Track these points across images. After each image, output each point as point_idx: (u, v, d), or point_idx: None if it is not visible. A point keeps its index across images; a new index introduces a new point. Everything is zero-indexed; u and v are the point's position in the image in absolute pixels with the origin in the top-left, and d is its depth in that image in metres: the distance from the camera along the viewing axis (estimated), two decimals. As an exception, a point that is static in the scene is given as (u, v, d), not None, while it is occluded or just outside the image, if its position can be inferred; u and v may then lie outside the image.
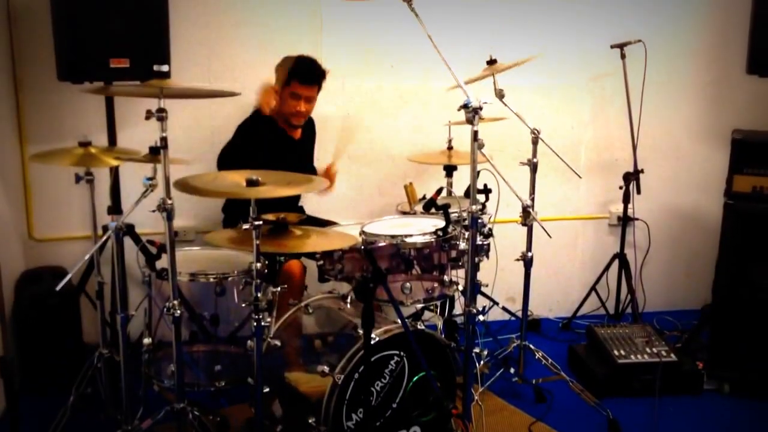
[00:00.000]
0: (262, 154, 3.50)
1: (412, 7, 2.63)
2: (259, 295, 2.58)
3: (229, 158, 3.51)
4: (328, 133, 4.11)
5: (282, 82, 3.61)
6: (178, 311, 2.61)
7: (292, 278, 3.36)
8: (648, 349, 3.65)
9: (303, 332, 3.21)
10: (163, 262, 2.74)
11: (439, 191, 3.39)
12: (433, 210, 3.27)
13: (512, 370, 3.60)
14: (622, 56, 4.17)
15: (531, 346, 3.68)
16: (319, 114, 4.07)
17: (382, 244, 2.97)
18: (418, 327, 2.96)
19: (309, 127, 3.95)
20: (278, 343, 2.90)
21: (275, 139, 3.68)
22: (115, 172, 3.49)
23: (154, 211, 2.53)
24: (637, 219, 4.48)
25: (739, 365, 3.61)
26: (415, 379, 2.91)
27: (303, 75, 3.61)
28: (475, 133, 2.54)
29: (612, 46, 4.20)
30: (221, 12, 3.97)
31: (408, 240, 2.98)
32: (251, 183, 2.54)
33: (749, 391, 3.60)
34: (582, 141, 4.50)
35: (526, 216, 3.08)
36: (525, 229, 3.50)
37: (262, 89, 3.56)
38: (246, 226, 2.50)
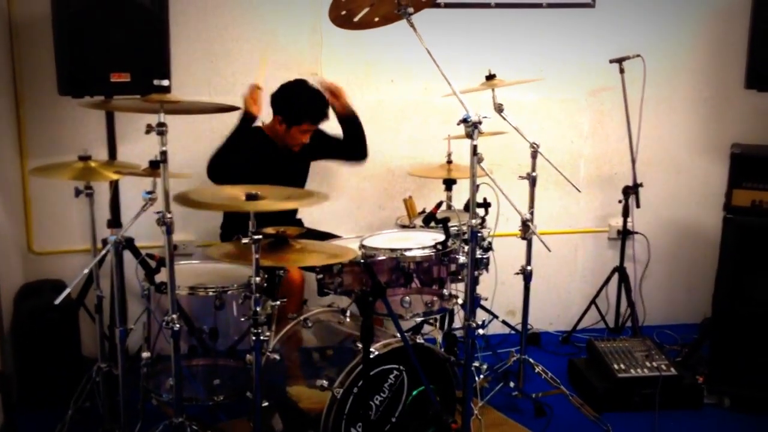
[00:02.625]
0: (255, 164, 3.50)
1: (411, 21, 2.64)
2: (258, 309, 2.58)
3: (219, 167, 3.50)
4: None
5: (290, 118, 3.59)
6: (177, 325, 2.61)
7: (293, 286, 3.36)
8: (648, 363, 3.64)
9: (302, 346, 3.21)
10: (162, 276, 2.75)
11: (439, 205, 3.39)
12: (432, 224, 3.27)
13: (512, 384, 3.59)
14: (621, 71, 4.18)
15: (531, 359, 3.67)
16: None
17: (381, 257, 2.97)
18: (418, 341, 2.96)
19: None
20: (277, 357, 2.89)
21: (270, 151, 3.68)
22: (114, 186, 3.50)
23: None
24: (636, 233, 4.47)
25: (740, 379, 3.60)
26: (414, 393, 2.90)
27: (317, 116, 3.63)
28: (474, 148, 2.54)
29: (611, 61, 4.21)
30: (221, 27, 3.99)
31: (407, 254, 2.98)
32: (251, 197, 2.54)
33: (750, 406, 3.59)
34: (581, 155, 4.51)
35: (526, 230, 3.09)
36: (524, 242, 3.49)
37: (247, 91, 3.59)
38: (245, 240, 2.51)
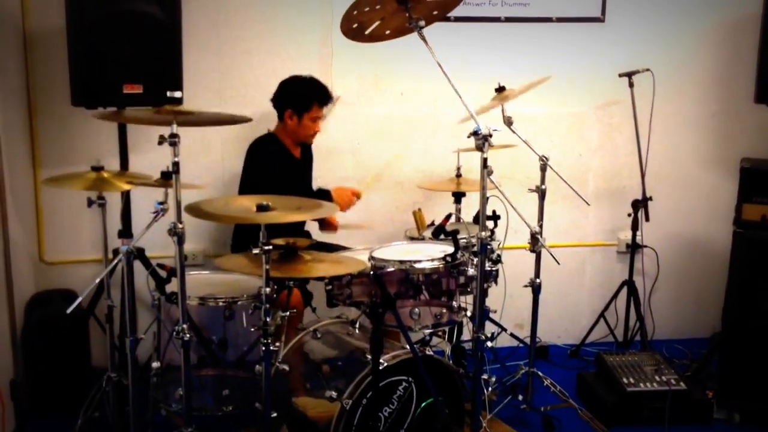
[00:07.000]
0: (276, 177, 3.53)
1: (422, 34, 2.66)
2: (268, 319, 2.58)
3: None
4: (337, 157, 4.15)
5: (300, 106, 3.65)
6: (187, 335, 2.62)
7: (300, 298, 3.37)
8: (657, 377, 3.63)
9: (311, 357, 3.21)
10: (172, 286, 2.76)
11: (448, 217, 3.40)
12: (442, 236, 3.28)
13: (520, 398, 3.58)
14: (630, 85, 4.19)
15: (539, 373, 3.66)
16: (328, 140, 4.10)
17: (391, 269, 2.98)
18: (427, 353, 2.96)
19: (305, 148, 3.94)
20: (286, 367, 2.89)
21: (284, 160, 3.72)
22: (126, 197, 3.51)
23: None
24: (645, 246, 4.46)
25: (750, 394, 3.58)
26: (423, 405, 2.90)
27: (324, 99, 3.70)
28: (484, 161, 2.55)
29: (620, 75, 4.22)
30: (233, 39, 4.02)
31: (417, 266, 2.99)
32: (261, 208, 2.55)
33: (760, 421, 3.57)
34: (590, 168, 4.51)
35: (535, 242, 3.09)
36: (533, 255, 3.49)
37: None
38: (256, 251, 2.52)
